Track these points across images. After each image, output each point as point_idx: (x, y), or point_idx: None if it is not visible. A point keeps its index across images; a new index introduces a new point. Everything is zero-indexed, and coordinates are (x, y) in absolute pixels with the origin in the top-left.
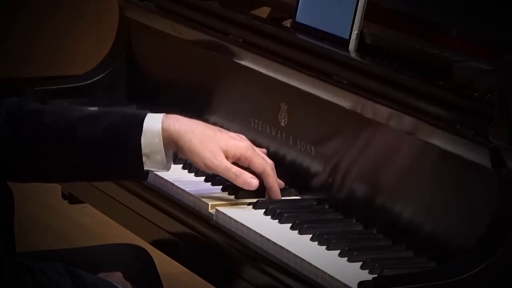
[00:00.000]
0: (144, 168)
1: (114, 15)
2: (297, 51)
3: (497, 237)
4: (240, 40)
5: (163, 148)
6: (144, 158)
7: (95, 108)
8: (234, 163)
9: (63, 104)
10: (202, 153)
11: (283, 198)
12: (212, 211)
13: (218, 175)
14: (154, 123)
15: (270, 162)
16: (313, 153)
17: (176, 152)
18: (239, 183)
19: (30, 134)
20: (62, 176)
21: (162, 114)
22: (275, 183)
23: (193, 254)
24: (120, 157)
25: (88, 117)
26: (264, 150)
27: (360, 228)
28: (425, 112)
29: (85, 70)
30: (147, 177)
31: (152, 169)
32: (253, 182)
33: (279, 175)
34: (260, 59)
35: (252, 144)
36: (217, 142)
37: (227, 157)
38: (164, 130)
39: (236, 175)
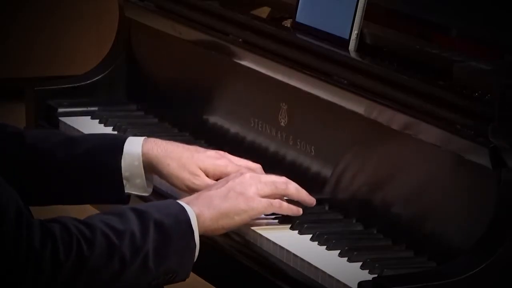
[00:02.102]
0: (125, 191)
1: (114, 15)
2: (297, 51)
3: (497, 237)
4: (240, 40)
5: (143, 171)
6: (124, 182)
7: (80, 132)
8: None
9: (44, 130)
10: (181, 175)
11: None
12: None
13: None
14: (134, 146)
15: (255, 166)
16: (313, 153)
17: (158, 176)
18: None
19: (9, 154)
20: (42, 200)
21: (142, 138)
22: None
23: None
24: (100, 180)
25: (68, 141)
26: (258, 165)
27: (360, 228)
28: (425, 112)
29: (85, 70)
30: (129, 200)
31: (133, 192)
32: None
33: (279, 175)
34: (260, 59)
35: (233, 159)
36: (195, 163)
37: (208, 177)
38: (143, 154)
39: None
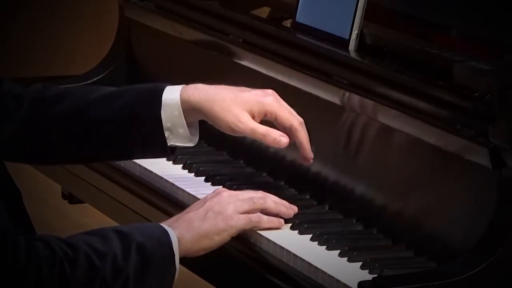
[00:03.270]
0: (168, 143)
1: (114, 15)
2: (297, 51)
3: (497, 237)
4: (240, 40)
5: (184, 120)
6: (166, 133)
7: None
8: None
9: (84, 87)
10: (226, 118)
11: (283, 199)
12: None
13: (218, 175)
14: (172, 95)
15: (298, 117)
16: (313, 153)
17: (204, 119)
18: (268, 142)
19: (51, 119)
20: (87, 156)
21: (181, 86)
22: (304, 139)
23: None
24: (141, 133)
25: (105, 96)
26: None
27: (360, 228)
28: (425, 112)
29: (85, 70)
30: (174, 153)
31: (177, 144)
32: (282, 140)
33: (279, 175)
34: (260, 59)
35: (280, 98)
36: (240, 104)
37: (253, 117)
38: (184, 101)
39: (264, 135)
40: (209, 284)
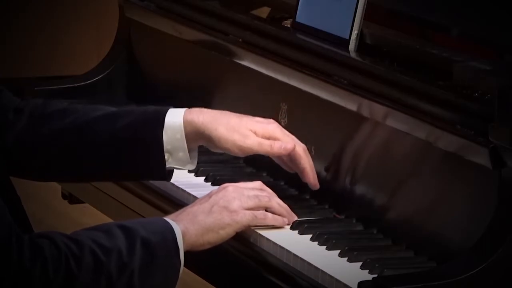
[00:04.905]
0: (167, 166)
1: (114, 15)
2: (297, 51)
3: (497, 237)
4: (240, 40)
5: (185, 144)
6: (166, 155)
7: (117, 108)
8: None
9: (86, 104)
10: (232, 137)
11: (283, 199)
12: None
13: (217, 176)
14: (175, 118)
15: (302, 145)
16: (313, 153)
17: (205, 144)
18: (276, 151)
19: (50, 134)
20: (84, 175)
21: (184, 109)
22: (307, 165)
23: (193, 253)
24: (141, 154)
25: (109, 115)
26: (304, 146)
27: (360, 228)
28: (425, 112)
29: (85, 70)
30: (171, 176)
31: (176, 167)
32: (289, 146)
33: (279, 175)
34: (260, 59)
35: (281, 127)
36: (245, 125)
37: None
38: (188, 123)
39: (271, 145)
40: (209, 284)
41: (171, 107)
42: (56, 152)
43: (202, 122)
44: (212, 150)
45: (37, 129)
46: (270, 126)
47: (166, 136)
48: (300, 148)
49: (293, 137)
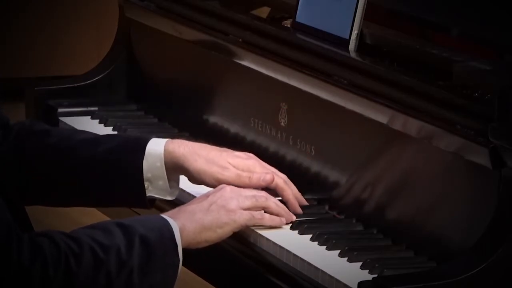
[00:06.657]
0: (147, 194)
1: (114, 15)
2: (297, 51)
3: (497, 237)
4: (240, 40)
5: (165, 172)
6: (146, 184)
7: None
8: None
9: (71, 128)
10: (211, 169)
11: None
12: None
13: None
14: (157, 146)
15: (282, 175)
16: (313, 153)
17: (185, 175)
18: (254, 182)
19: (32, 152)
20: (64, 199)
21: (166, 139)
22: (290, 196)
23: (193, 253)
24: (121, 181)
25: (91, 140)
26: (284, 175)
27: (360, 228)
28: (425, 112)
29: (85, 70)
30: (152, 205)
31: (156, 196)
32: (267, 177)
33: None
34: (260, 59)
35: (261, 161)
36: (224, 159)
37: None
38: (168, 153)
39: (249, 177)
40: (209, 284)
41: (154, 136)
42: (37, 172)
43: (182, 153)
44: (191, 182)
45: (21, 146)
46: (250, 161)
47: (146, 163)
48: (280, 180)
49: (274, 169)
